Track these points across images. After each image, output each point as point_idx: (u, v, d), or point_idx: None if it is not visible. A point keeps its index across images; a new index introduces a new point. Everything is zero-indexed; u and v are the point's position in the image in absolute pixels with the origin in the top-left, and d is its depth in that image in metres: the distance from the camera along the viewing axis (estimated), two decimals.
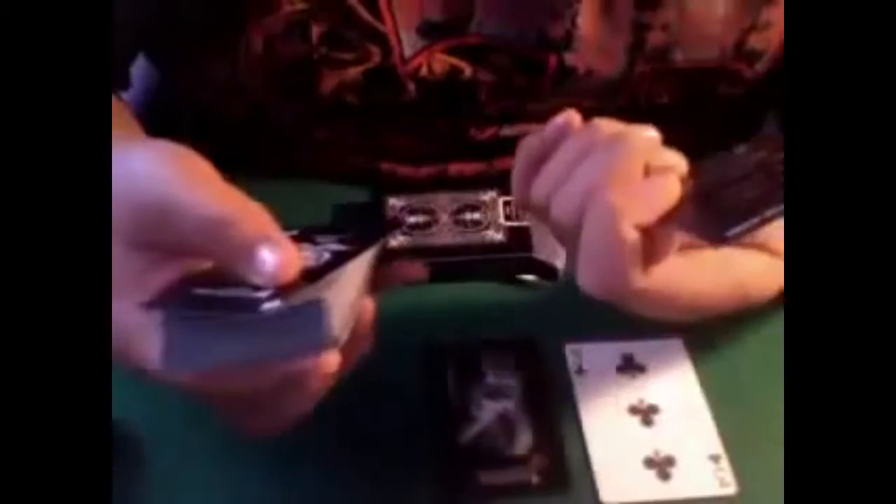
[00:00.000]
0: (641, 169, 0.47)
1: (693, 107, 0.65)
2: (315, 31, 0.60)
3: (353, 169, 0.66)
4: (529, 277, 0.59)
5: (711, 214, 0.45)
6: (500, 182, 0.61)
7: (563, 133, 0.48)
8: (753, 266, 0.52)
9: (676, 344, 0.55)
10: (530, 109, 0.63)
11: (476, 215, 0.60)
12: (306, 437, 0.45)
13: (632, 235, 0.45)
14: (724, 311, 0.52)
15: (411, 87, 0.62)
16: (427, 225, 0.59)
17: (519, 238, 0.59)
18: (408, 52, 0.61)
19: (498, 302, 0.58)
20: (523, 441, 0.50)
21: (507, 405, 0.52)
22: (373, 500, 0.49)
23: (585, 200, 0.46)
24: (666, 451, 0.50)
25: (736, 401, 0.53)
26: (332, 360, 0.41)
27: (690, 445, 0.50)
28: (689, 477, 0.49)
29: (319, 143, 0.66)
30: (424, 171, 0.66)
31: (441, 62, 0.61)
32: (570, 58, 0.62)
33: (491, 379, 0.53)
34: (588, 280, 0.46)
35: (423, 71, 0.61)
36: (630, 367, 0.54)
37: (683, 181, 0.46)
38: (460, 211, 0.60)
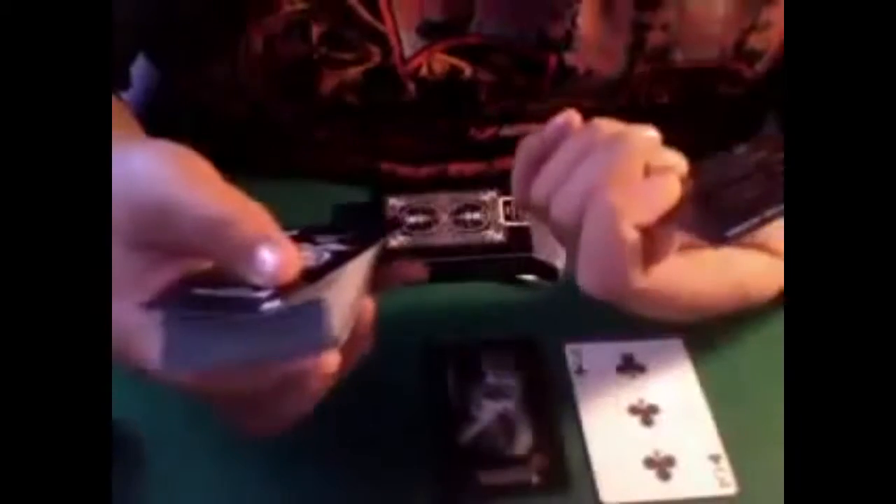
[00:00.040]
0: (641, 169, 0.47)
1: (693, 107, 0.65)
2: (315, 31, 0.60)
3: (353, 169, 0.66)
4: (529, 277, 0.59)
5: (711, 214, 0.45)
6: (500, 182, 0.61)
7: (563, 133, 0.48)
8: (753, 266, 0.52)
9: (676, 344, 0.55)
10: (530, 109, 0.63)
11: (476, 215, 0.60)
12: (306, 437, 0.45)
13: (632, 235, 0.45)
14: (724, 311, 0.52)
15: (411, 87, 0.62)
16: (427, 225, 0.59)
17: (519, 238, 0.59)
18: (408, 52, 0.61)
19: (498, 302, 0.58)
20: (523, 441, 0.50)
21: (507, 405, 0.52)
22: (373, 500, 0.49)
23: (585, 200, 0.46)
24: (666, 451, 0.50)
25: (736, 401, 0.53)
26: (331, 361, 0.41)
27: (690, 445, 0.50)
28: (689, 477, 0.49)
29: (319, 143, 0.66)
30: (424, 171, 0.66)
31: (441, 62, 0.61)
32: (570, 58, 0.62)
33: (491, 379, 0.53)
34: (588, 280, 0.46)
35: (423, 71, 0.61)
36: (630, 367, 0.54)
37: (683, 181, 0.46)
38: (460, 211, 0.60)
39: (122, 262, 0.41)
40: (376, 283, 0.47)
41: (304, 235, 0.44)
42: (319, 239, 0.45)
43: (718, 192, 0.46)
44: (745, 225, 0.44)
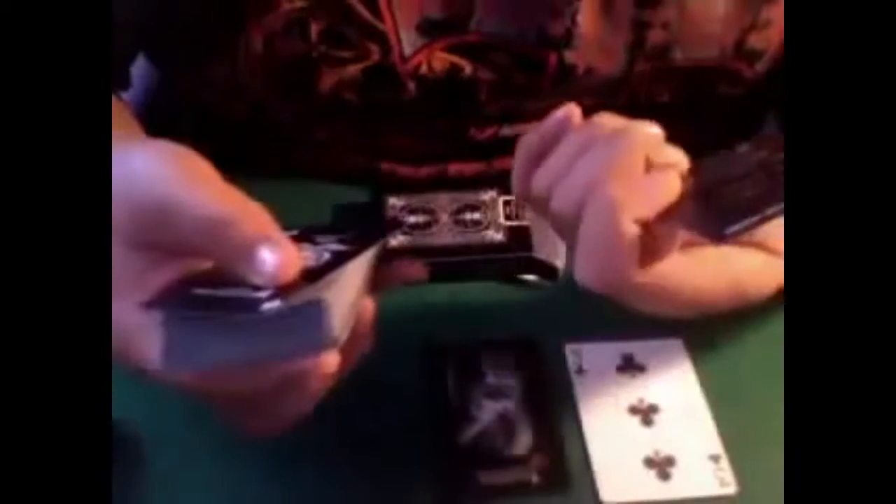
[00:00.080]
0: (643, 164, 0.47)
1: (693, 106, 0.65)
2: (314, 29, 0.60)
3: (353, 169, 0.66)
4: (529, 277, 0.59)
5: (711, 212, 0.45)
6: (500, 182, 0.61)
7: (564, 126, 0.49)
8: (751, 264, 0.52)
9: (676, 344, 0.55)
10: (530, 109, 0.63)
11: (476, 215, 0.60)
12: (306, 437, 0.45)
13: (631, 229, 0.45)
14: (722, 308, 0.52)
15: (411, 85, 0.62)
16: (427, 225, 0.59)
17: (519, 238, 0.59)
18: (407, 50, 0.61)
19: (498, 302, 0.58)
20: (523, 441, 0.50)
21: (507, 405, 0.52)
22: (373, 500, 0.49)
23: (586, 193, 0.46)
24: (666, 451, 0.50)
25: (736, 401, 0.53)
26: (331, 361, 0.41)
27: (690, 445, 0.50)
28: (689, 477, 0.49)
29: (319, 143, 0.66)
30: (424, 171, 0.66)
31: (441, 60, 0.61)
32: (570, 56, 0.62)
33: (491, 379, 0.53)
34: (585, 273, 0.46)
35: (423, 69, 0.61)
36: (630, 367, 0.54)
37: (684, 178, 0.46)
38: (460, 211, 0.60)
39: (122, 262, 0.41)
40: (376, 283, 0.47)
41: (304, 235, 0.44)
42: (319, 239, 0.45)
43: (719, 189, 0.46)
44: (745, 223, 0.44)
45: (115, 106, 0.58)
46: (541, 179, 0.48)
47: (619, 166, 0.46)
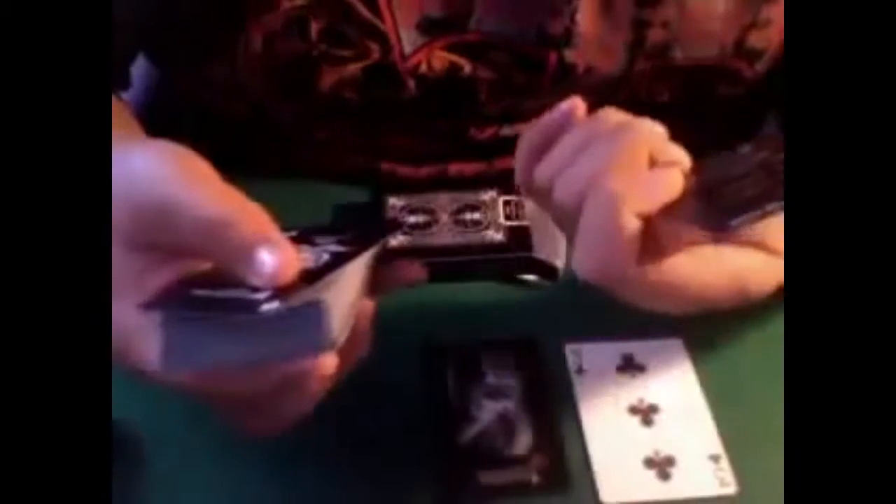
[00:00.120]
0: (646, 159, 0.47)
1: (693, 105, 0.65)
2: (314, 27, 0.60)
3: (353, 169, 0.66)
4: (529, 277, 0.59)
5: (713, 209, 0.45)
6: (501, 182, 0.61)
7: (568, 119, 0.49)
8: (751, 262, 0.52)
9: (676, 344, 0.55)
10: (530, 109, 0.63)
11: (476, 215, 0.60)
12: (306, 437, 0.45)
13: (632, 223, 0.45)
14: (721, 306, 0.51)
15: (411, 83, 0.62)
16: (427, 225, 0.59)
17: (519, 238, 0.59)
18: (407, 48, 0.60)
19: (498, 302, 0.58)
20: (523, 441, 0.50)
21: (507, 405, 0.52)
22: (373, 500, 0.49)
23: (588, 185, 0.46)
24: (666, 451, 0.50)
25: (736, 401, 0.53)
26: (330, 362, 0.41)
27: (690, 445, 0.50)
28: (689, 477, 0.49)
29: (319, 143, 0.66)
30: (424, 171, 0.66)
31: (441, 59, 0.61)
32: (569, 55, 0.62)
33: (491, 379, 0.53)
34: (584, 265, 0.46)
35: (423, 68, 0.61)
36: (630, 367, 0.54)
37: (686, 177, 0.47)
38: (460, 211, 0.60)
39: (122, 263, 0.41)
40: (376, 284, 0.47)
41: (303, 236, 0.44)
42: (318, 240, 0.45)
43: (720, 188, 0.46)
44: (748, 217, 0.44)
45: (115, 106, 0.58)
46: (543, 171, 0.49)
47: (622, 160, 0.46)
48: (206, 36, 0.61)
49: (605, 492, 0.49)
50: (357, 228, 0.49)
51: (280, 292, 0.38)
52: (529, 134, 0.50)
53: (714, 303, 0.51)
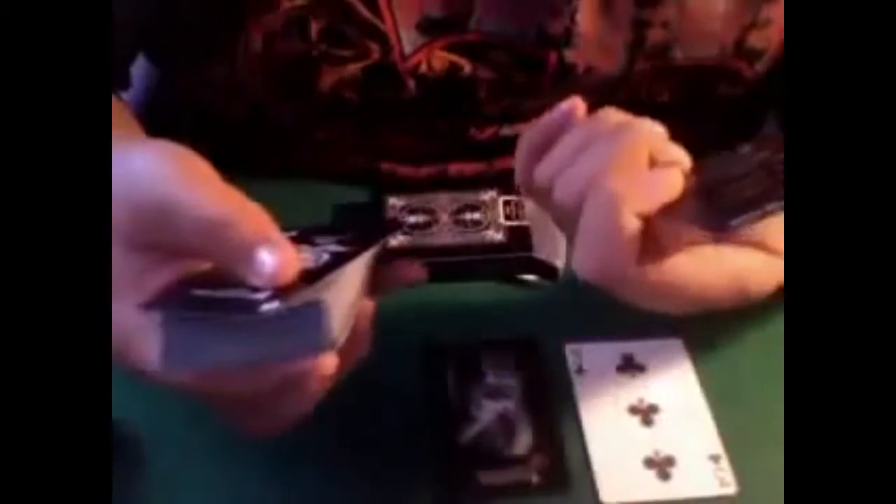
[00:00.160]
0: (646, 159, 0.47)
1: (693, 105, 0.65)
2: (314, 27, 0.60)
3: (353, 169, 0.66)
4: (529, 277, 0.59)
5: (713, 209, 0.45)
6: (501, 182, 0.61)
7: (569, 118, 0.49)
8: (751, 262, 0.52)
9: (676, 344, 0.55)
10: (530, 109, 0.63)
11: (476, 215, 0.60)
12: (306, 437, 0.45)
13: (631, 223, 0.45)
14: (721, 306, 0.51)
15: (411, 83, 0.62)
16: (427, 225, 0.59)
17: (519, 238, 0.59)
18: (407, 48, 0.60)
19: (498, 302, 0.58)
20: (523, 441, 0.50)
21: (507, 405, 0.52)
22: (373, 500, 0.49)
23: (588, 185, 0.46)
24: (666, 451, 0.50)
25: (736, 401, 0.53)
26: (330, 362, 0.41)
27: (690, 445, 0.50)
28: (689, 477, 0.49)
29: (319, 143, 0.66)
30: (424, 171, 0.66)
31: (441, 59, 0.61)
32: (569, 55, 0.62)
33: (491, 379, 0.53)
34: (584, 265, 0.46)
35: (423, 68, 0.61)
36: (630, 367, 0.54)
37: (686, 177, 0.47)
38: (460, 211, 0.60)
39: (122, 263, 0.41)
40: (376, 285, 0.47)
41: (303, 236, 0.44)
42: (318, 240, 0.45)
43: (720, 188, 0.46)
44: (748, 216, 0.44)
45: (115, 106, 0.58)
46: (544, 170, 0.49)
47: (623, 160, 0.46)
48: (206, 36, 0.61)
49: (605, 492, 0.49)
50: (357, 228, 0.49)
51: (280, 292, 0.38)
52: (529, 134, 0.50)
53: (714, 303, 0.51)
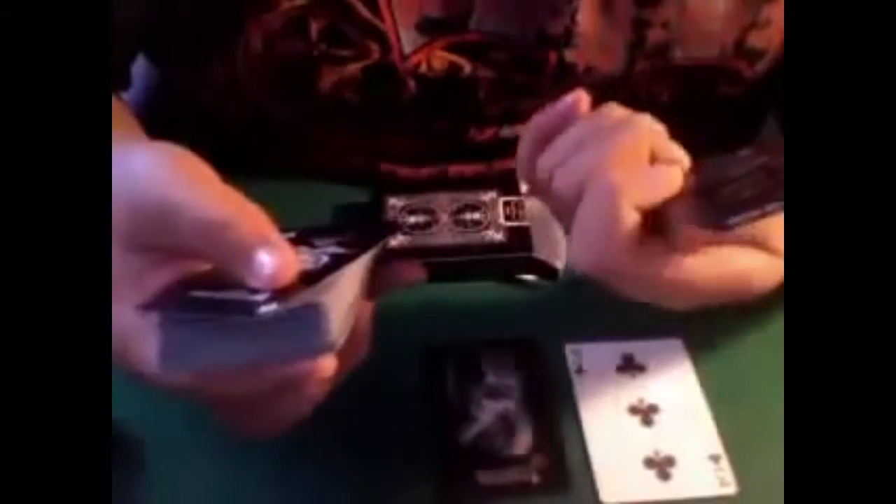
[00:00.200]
0: (647, 154, 0.47)
1: (693, 105, 0.65)
2: (314, 27, 0.60)
3: (353, 169, 0.66)
4: (529, 277, 0.59)
5: (712, 207, 0.45)
6: (501, 183, 0.61)
7: (572, 111, 0.49)
8: (752, 263, 0.52)
9: (676, 344, 0.55)
10: (530, 110, 0.63)
11: (476, 215, 0.60)
12: (306, 437, 0.45)
13: (630, 215, 0.45)
14: (719, 301, 0.51)
15: (411, 83, 0.62)
16: (427, 225, 0.59)
17: (519, 238, 0.59)
18: (407, 48, 0.60)
19: (498, 302, 0.58)
20: (523, 441, 0.50)
21: (507, 405, 0.52)
22: (373, 500, 0.49)
23: (588, 176, 0.46)
24: (666, 451, 0.50)
25: (736, 401, 0.53)
26: (328, 364, 0.41)
27: (690, 445, 0.50)
28: (689, 477, 0.49)
29: (319, 143, 0.66)
30: (424, 171, 0.66)
31: (440, 59, 0.61)
32: (569, 55, 0.62)
33: (491, 379, 0.53)
34: (580, 256, 0.47)
35: (423, 68, 0.61)
36: (630, 367, 0.54)
37: (686, 176, 0.47)
38: (460, 211, 0.60)
39: (121, 264, 0.41)
40: (374, 286, 0.47)
41: (302, 237, 0.44)
42: (318, 242, 0.45)
43: (719, 188, 0.46)
44: (746, 215, 0.44)
45: (115, 106, 0.58)
46: (545, 161, 0.49)
47: (624, 154, 0.46)
48: (206, 36, 0.61)
49: (605, 492, 0.49)
50: (357, 229, 0.49)
51: (279, 294, 0.38)
52: (532, 127, 0.50)
53: (712, 299, 0.51)
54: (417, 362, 0.54)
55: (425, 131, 0.65)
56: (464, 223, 0.59)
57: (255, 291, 0.39)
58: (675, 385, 0.53)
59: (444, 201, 0.61)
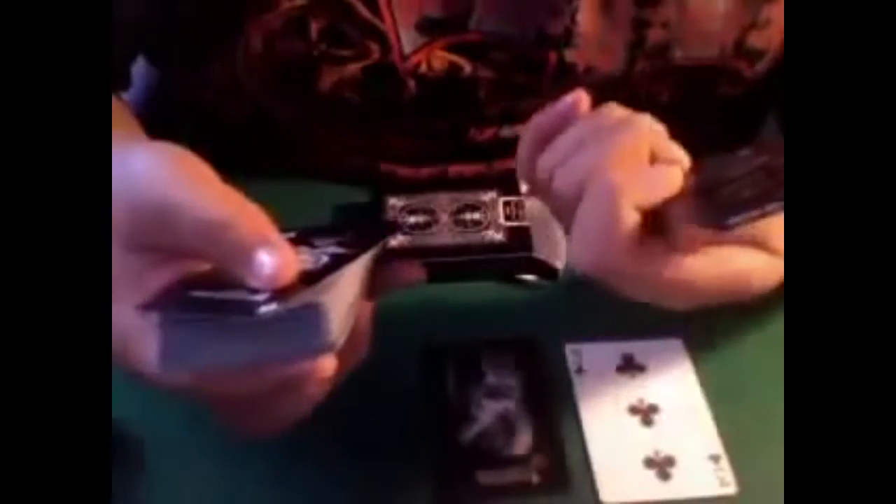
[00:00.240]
0: (647, 154, 0.47)
1: (693, 106, 0.65)
2: (314, 27, 0.60)
3: (353, 169, 0.66)
4: (529, 277, 0.59)
5: (712, 207, 0.45)
6: (501, 183, 0.61)
7: (572, 111, 0.49)
8: (752, 263, 0.52)
9: (676, 344, 0.55)
10: (530, 110, 0.63)
11: (476, 215, 0.60)
12: (306, 437, 0.45)
13: (630, 215, 0.45)
14: (719, 301, 0.51)
15: (411, 83, 0.62)
16: (427, 225, 0.59)
17: (519, 238, 0.59)
18: (407, 48, 0.61)
19: (498, 302, 0.58)
20: (523, 441, 0.50)
21: (507, 405, 0.52)
22: (373, 500, 0.49)
23: (588, 176, 0.46)
24: (666, 451, 0.50)
25: (736, 401, 0.53)
26: (328, 364, 0.41)
27: (690, 445, 0.50)
28: (689, 477, 0.49)
29: (319, 143, 0.66)
30: (424, 171, 0.66)
31: (440, 59, 0.61)
32: (569, 55, 0.62)
33: (491, 379, 0.53)
34: (580, 255, 0.47)
35: (423, 68, 0.61)
36: (630, 367, 0.54)
37: (686, 176, 0.47)
38: (460, 211, 0.60)
39: (121, 264, 0.41)
40: (374, 287, 0.47)
41: (302, 237, 0.44)
42: (318, 242, 0.45)
43: (719, 188, 0.46)
44: (746, 215, 0.44)
45: (115, 106, 0.58)
46: (545, 160, 0.49)
47: (624, 153, 0.47)
48: (206, 36, 0.61)
49: (605, 492, 0.49)
50: (357, 229, 0.49)
51: (279, 294, 0.38)
52: (532, 126, 0.50)
53: (712, 299, 0.51)
54: (417, 362, 0.54)
55: (425, 131, 0.65)
56: (464, 223, 0.59)
57: (255, 291, 0.39)
58: (675, 385, 0.53)
59: (444, 201, 0.61)
